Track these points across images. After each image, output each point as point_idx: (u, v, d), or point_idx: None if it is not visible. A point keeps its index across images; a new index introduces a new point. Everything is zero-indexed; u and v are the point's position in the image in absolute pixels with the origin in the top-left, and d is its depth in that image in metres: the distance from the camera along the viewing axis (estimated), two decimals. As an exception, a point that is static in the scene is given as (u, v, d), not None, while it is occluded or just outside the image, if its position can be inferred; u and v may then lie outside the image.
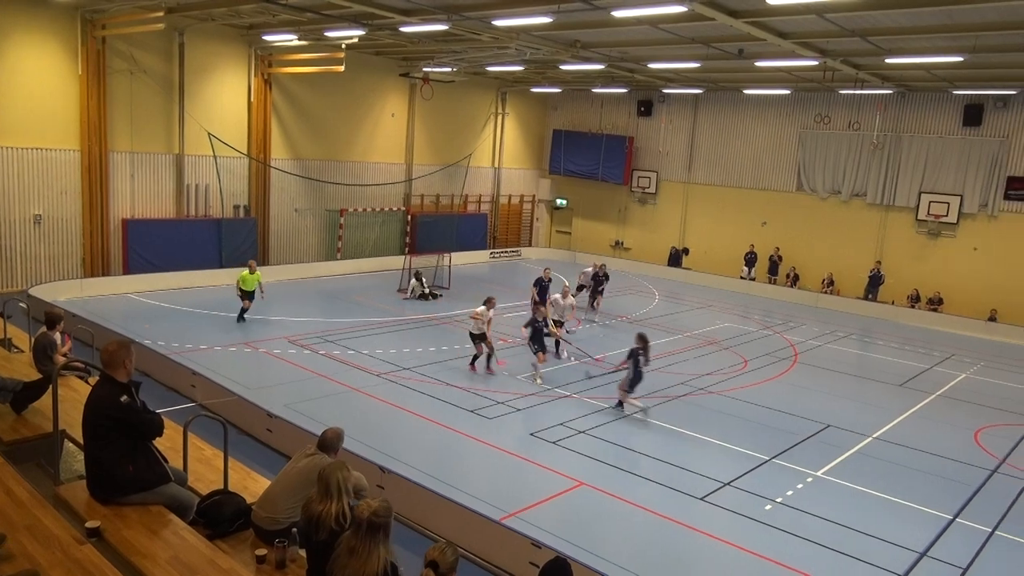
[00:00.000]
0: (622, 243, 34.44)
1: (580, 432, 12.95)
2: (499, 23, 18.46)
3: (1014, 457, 13.41)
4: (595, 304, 22.66)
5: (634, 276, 30.57)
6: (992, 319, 24.46)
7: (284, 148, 26.17)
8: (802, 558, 9.25)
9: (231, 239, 24.28)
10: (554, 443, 12.40)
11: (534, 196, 36.73)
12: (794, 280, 28.75)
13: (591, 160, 34.02)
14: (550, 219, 37.23)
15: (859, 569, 9.10)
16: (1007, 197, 24.70)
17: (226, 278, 22.53)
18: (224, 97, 24.20)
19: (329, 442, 5.81)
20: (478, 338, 15.65)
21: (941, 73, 21.86)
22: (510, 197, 35.57)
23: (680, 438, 13.04)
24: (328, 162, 27.58)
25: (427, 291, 23.48)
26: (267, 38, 23.35)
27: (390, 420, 12.97)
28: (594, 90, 32.24)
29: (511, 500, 10.10)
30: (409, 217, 30.46)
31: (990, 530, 10.41)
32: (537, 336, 15.82)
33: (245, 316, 18.88)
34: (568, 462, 11.68)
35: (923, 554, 9.60)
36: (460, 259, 29.49)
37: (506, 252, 34.06)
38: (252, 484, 6.60)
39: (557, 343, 17.65)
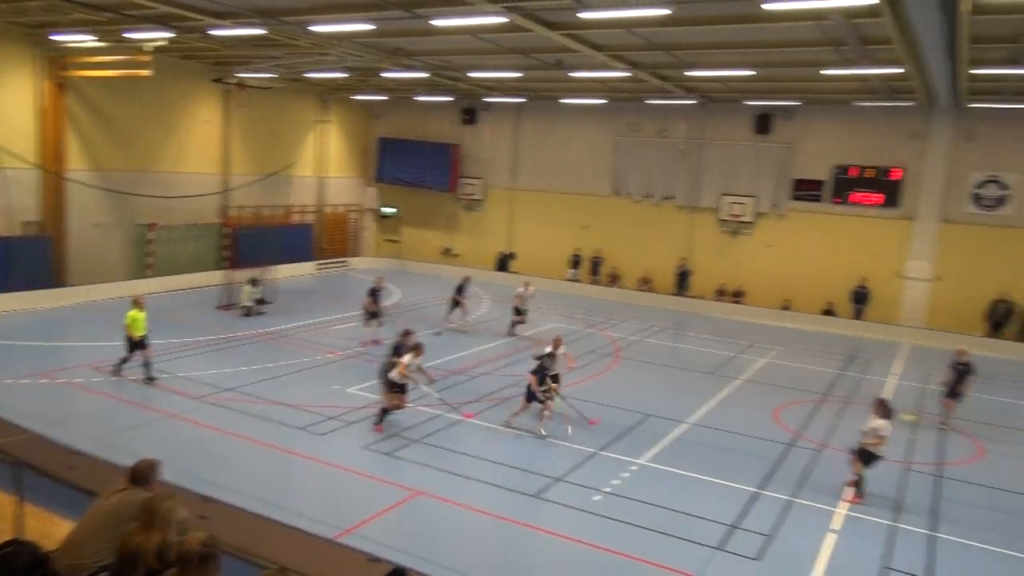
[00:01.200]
0: (451, 250, 34.73)
1: (415, 441, 12.92)
2: (318, 29, 18.05)
3: (807, 431, 14.91)
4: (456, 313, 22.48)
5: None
6: (786, 308, 27.06)
7: (84, 158, 24.00)
8: (630, 542, 9.77)
9: (20, 259, 21.91)
10: (388, 454, 12.29)
11: (360, 205, 36.18)
12: (613, 280, 30.29)
13: (417, 168, 34.04)
14: (377, 228, 36.84)
15: (681, 546, 9.75)
16: (793, 197, 27.43)
17: (12, 303, 20.44)
18: (6, 102, 21.85)
19: (142, 474, 5.43)
20: (395, 389, 13.43)
21: (735, 85, 23.90)
22: (335, 207, 34.81)
23: (513, 439, 13.35)
24: (135, 173, 25.61)
25: (251, 306, 22.36)
26: (58, 38, 21.33)
27: (212, 446, 12.29)
28: (418, 98, 32.29)
29: (346, 517, 9.90)
30: (228, 230, 28.99)
31: (789, 498, 11.52)
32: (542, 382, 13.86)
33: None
34: (404, 472, 11.62)
35: (734, 526, 10.45)
36: (285, 272, 28.50)
37: (333, 263, 33.30)
38: (54, 529, 6.04)
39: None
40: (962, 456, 14.07)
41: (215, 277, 25.61)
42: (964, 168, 24.81)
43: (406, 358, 13.37)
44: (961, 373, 15.45)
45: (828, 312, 26.47)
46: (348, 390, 15.59)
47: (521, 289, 21.87)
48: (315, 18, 17.13)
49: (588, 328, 23.68)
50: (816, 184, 26.96)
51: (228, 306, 22.87)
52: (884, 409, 11.72)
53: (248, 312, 22.23)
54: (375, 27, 17.31)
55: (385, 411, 13.46)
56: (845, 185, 26.46)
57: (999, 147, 24.29)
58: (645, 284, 29.68)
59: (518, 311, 21.86)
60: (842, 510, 11.23)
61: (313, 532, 8.53)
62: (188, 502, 7.71)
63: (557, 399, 14.15)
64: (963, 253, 24.90)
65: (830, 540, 10.25)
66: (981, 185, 24.65)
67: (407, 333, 14.37)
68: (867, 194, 26.17)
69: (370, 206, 36.36)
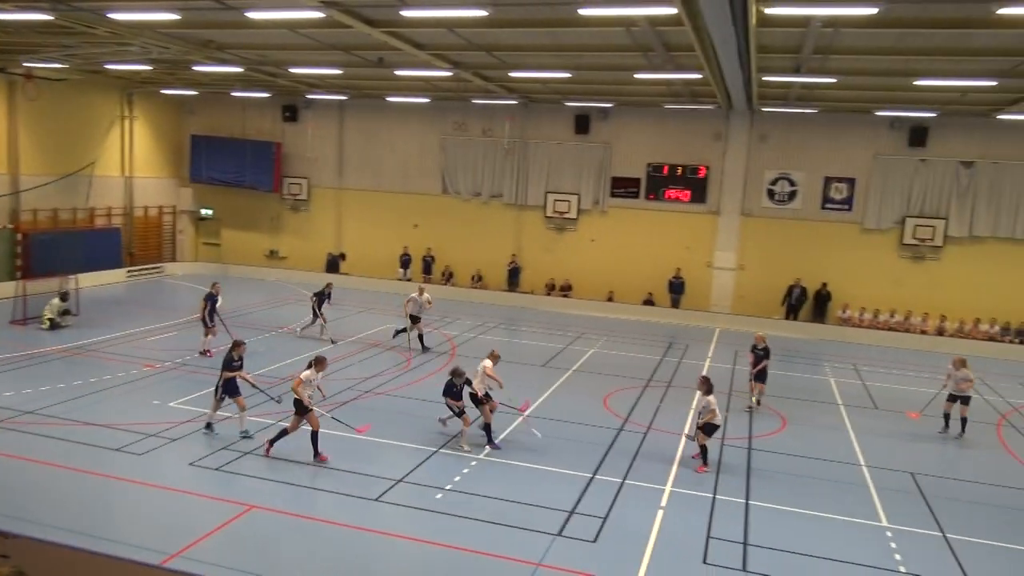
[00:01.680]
0: (277, 252, 33.39)
1: (246, 454, 12.32)
2: (117, 17, 16.64)
3: (634, 416, 15.78)
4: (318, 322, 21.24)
5: (293, 285, 29.83)
6: (610, 300, 28.46)
7: None
8: (473, 537, 9.89)
9: None
10: (217, 469, 11.64)
11: (175, 207, 33.87)
12: (448, 277, 30.46)
13: (237, 167, 32.38)
14: (195, 231, 34.68)
15: (523, 536, 10.00)
16: (613, 195, 28.88)
17: None
18: None
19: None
20: (301, 409, 12.19)
21: (554, 87, 24.76)
22: (147, 209, 32.36)
23: (352, 442, 13.07)
24: (-102, 173, 22.47)
25: (56, 319, 20.27)
26: None
27: (12, 476, 11.06)
28: (234, 93, 30.73)
29: (173, 539, 9.27)
30: (20, 236, 26.13)
31: (621, 480, 12.14)
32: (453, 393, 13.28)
33: None
34: (235, 487, 11.05)
35: (572, 512, 10.86)
36: (91, 280, 26.14)
37: (146, 270, 30.98)
38: None
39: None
40: (769, 429, 15.47)
41: (7, 288, 23.01)
42: (759, 166, 27.25)
43: (304, 373, 12.20)
44: (759, 357, 16.65)
45: (648, 302, 28.15)
46: (170, 404, 14.59)
47: (415, 295, 20.46)
48: (113, 4, 15.81)
49: (423, 327, 23.59)
50: (633, 182, 28.55)
51: (25, 320, 20.62)
52: (707, 385, 12.85)
53: (53, 326, 20.15)
54: (181, 17, 16.25)
55: (284, 432, 12.27)
56: (659, 182, 28.22)
57: (788, 147, 26.92)
58: (477, 281, 30.08)
59: (413, 318, 20.33)
60: (669, 487, 12.00)
61: (136, 560, 7.91)
62: (-15, 542, 6.89)
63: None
64: (762, 244, 27.37)
65: (660, 516, 10.91)
66: (774, 182, 27.19)
67: (237, 345, 13.56)
68: (678, 191, 28.08)
69: (186, 208, 34.15)
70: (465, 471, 12.13)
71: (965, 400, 15.50)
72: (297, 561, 9.14)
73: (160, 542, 9.15)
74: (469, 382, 13.44)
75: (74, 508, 10.18)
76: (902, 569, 9.75)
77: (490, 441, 13.29)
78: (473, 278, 30.14)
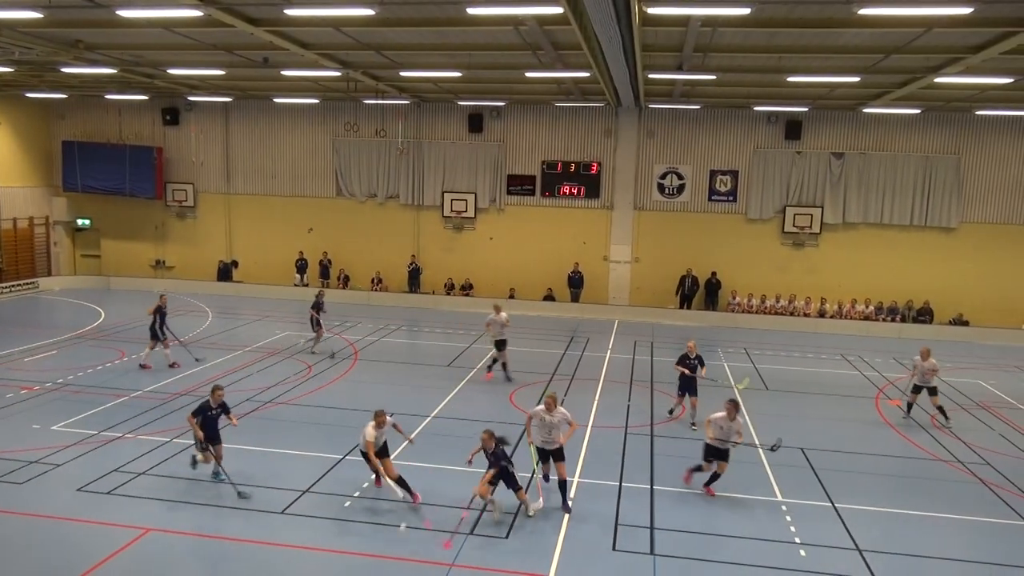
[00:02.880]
0: (164, 262, 31.88)
1: (139, 474, 11.72)
2: (-29, 16, 15.46)
3: (540, 410, 15.95)
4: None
5: (183, 296, 28.55)
6: (511, 296, 28.68)
7: None
8: (383, 543, 9.78)
9: None
10: (108, 493, 11.02)
11: (47, 218, 31.78)
12: (345, 281, 29.91)
13: (115, 174, 30.66)
14: (72, 243, 32.66)
15: (434, 537, 9.93)
16: (509, 192, 29.11)
17: None
18: None
19: None
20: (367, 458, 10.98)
21: (446, 86, 24.71)
22: (16, 221, 30.22)
23: (254, 456, 12.65)
24: None
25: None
26: None
27: None
28: (109, 96, 29.11)
29: (64, 571, 8.72)
30: None
31: (530, 475, 12.25)
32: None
33: None
34: (129, 511, 10.49)
35: (483, 510, 10.85)
36: (-47, 300, 24.22)
37: (19, 285, 28.94)
38: None
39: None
40: (670, 416, 15.97)
41: None
42: (649, 161, 28.11)
43: (369, 432, 10.80)
44: (693, 367, 15.18)
45: (549, 297, 28.55)
46: (52, 428, 13.69)
47: (493, 316, 18.42)
48: (-31, 3, 14.69)
49: (324, 332, 23.08)
50: (529, 179, 28.88)
51: None
52: (736, 409, 11.51)
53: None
54: (45, 15, 15.26)
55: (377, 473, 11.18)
56: (553, 179, 28.66)
57: (675, 142, 27.89)
58: (377, 284, 29.68)
59: (499, 343, 18.29)
60: (577, 479, 12.20)
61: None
62: None
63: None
64: (655, 236, 28.26)
65: (570, 507, 11.09)
66: (664, 176, 28.12)
67: (216, 389, 11.71)
68: (573, 187, 28.60)
69: (60, 218, 32.09)
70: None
71: (932, 391, 15.73)
72: (200, 583, 8.78)
73: (50, 575, 8.59)
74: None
75: (-54, 547, 9.42)
76: (797, 540, 10.29)
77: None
78: (373, 281, 29.72)
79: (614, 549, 9.88)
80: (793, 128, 26.86)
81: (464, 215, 29.33)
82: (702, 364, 15.33)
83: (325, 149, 30.18)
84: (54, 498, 10.85)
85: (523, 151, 28.88)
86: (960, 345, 24.43)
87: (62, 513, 10.35)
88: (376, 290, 29.45)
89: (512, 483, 10.64)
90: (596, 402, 16.80)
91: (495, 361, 18.47)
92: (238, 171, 31.03)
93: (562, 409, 11.15)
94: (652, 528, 10.53)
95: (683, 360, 15.33)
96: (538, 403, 11.43)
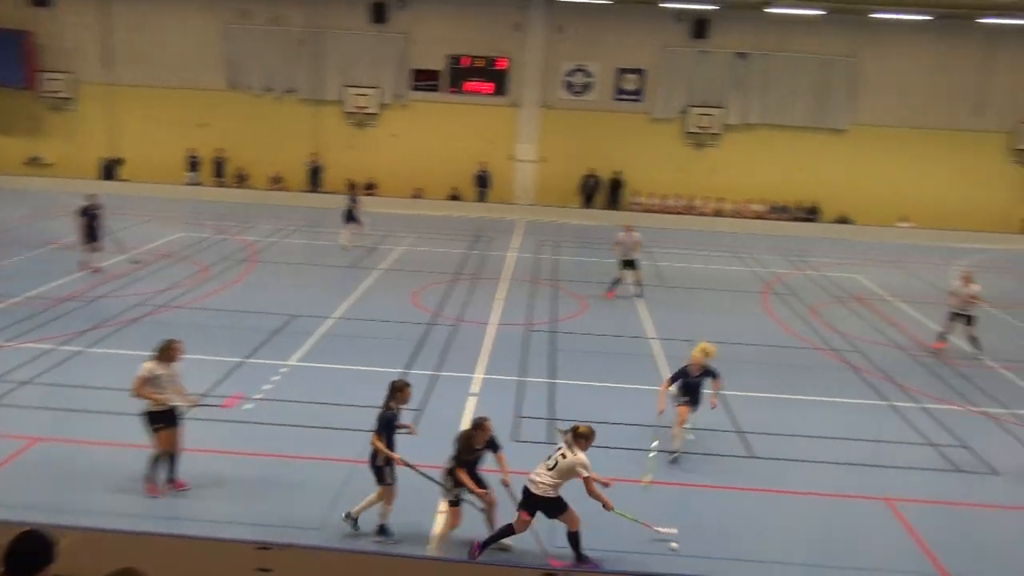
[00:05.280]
0: (40, 159, 29.63)
1: (24, 383, 11.25)
2: None
3: (444, 310, 16.10)
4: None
5: (63, 195, 26.76)
6: (417, 196, 28.26)
7: None
8: (286, 442, 9.83)
9: None
10: (-9, 403, 10.57)
11: (-99, 108, 28.82)
12: (241, 180, 28.69)
13: (-25, 60, 27.92)
14: (-68, 137, 29.85)
15: (338, 436, 10.05)
16: (415, 88, 28.19)
17: None
18: None
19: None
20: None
21: (345, -29, 23.34)
22: None
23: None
24: None
25: None
26: None
27: None
28: (-38, -29, 26.11)
29: (-56, 483, 8.41)
30: None
31: (434, 373, 12.47)
32: None
33: None
34: (14, 420, 10.11)
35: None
36: None
37: None
38: None
39: None
40: (570, 312, 16.42)
41: None
42: (557, 58, 27.66)
43: (579, 457, 7.50)
44: (695, 389, 10.24)
45: (454, 197, 28.30)
46: None
47: (623, 234, 17.44)
48: None
49: (219, 234, 22.31)
50: (433, 74, 27.98)
51: None
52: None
53: None
54: None
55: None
56: (459, 75, 27.88)
57: (584, 39, 27.46)
58: (276, 183, 28.62)
59: (627, 263, 17.41)
60: (480, 375, 12.50)
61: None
62: None
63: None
64: (560, 135, 28.14)
65: (472, 403, 11.39)
66: (571, 73, 27.79)
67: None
68: (479, 83, 27.94)
69: (-85, 110, 29.15)
70: (276, 378, 11.88)
71: (970, 319, 14.42)
72: (95, 489, 8.63)
73: (-72, 488, 8.28)
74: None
75: None
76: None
77: None
78: (271, 180, 28.61)
79: (513, 440, 10.26)
80: (700, 27, 26.83)
81: (367, 111, 28.32)
82: (714, 377, 10.20)
83: (215, 37, 28.20)
84: (-70, 409, 10.33)
85: (428, 44, 27.82)
86: (842, 243, 25.88)
87: (-60, 424, 9.89)
88: (274, 189, 28.42)
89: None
90: (499, 300, 17.03)
91: (618, 281, 17.62)
92: (121, 60, 28.68)
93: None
94: (551, 419, 10.96)
95: (680, 376, 10.23)
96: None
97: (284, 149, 28.73)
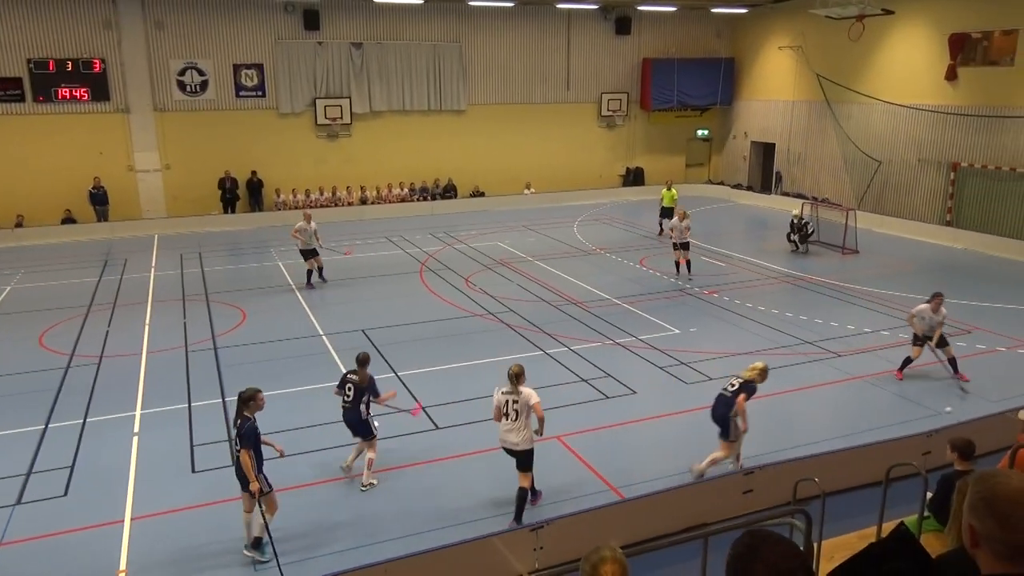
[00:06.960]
0: None
1: None
2: None
3: (80, 347, 14.21)
4: None
5: None
6: (20, 226, 24.24)
7: None
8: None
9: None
10: None
11: None
12: None
13: None
14: None
15: (-30, 523, 8.45)
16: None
17: None
18: None
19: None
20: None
21: None
22: None
23: None
24: None
25: None
26: None
27: None
28: None
29: None
30: None
31: (82, 420, 11.00)
32: None
33: None
34: None
35: (29, 474, 9.52)
36: None
37: None
38: None
39: None
40: (230, 325, 15.55)
41: None
42: (163, 56, 25.53)
43: (528, 390, 8.93)
44: (727, 408, 9.02)
45: (69, 220, 24.86)
46: None
47: (301, 223, 17.29)
48: None
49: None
50: (16, 82, 24.06)
51: None
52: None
53: None
54: None
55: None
56: (47, 81, 24.34)
57: (189, 34, 25.69)
58: None
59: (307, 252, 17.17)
60: (139, 411, 11.33)
61: None
62: None
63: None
64: (184, 139, 26.15)
65: (136, 443, 10.30)
66: (183, 72, 25.89)
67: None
68: (74, 89, 24.70)
69: None
70: None
71: (942, 342, 12.01)
72: None
73: None
74: None
75: None
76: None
77: None
78: None
79: (194, 471, 9.55)
80: (311, 18, 26.71)
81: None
82: (749, 394, 9.02)
83: None
84: None
85: (4, 48, 23.77)
86: (479, 214, 28.04)
87: None
88: None
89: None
90: (147, 326, 15.52)
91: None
92: None
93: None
94: (231, 440, 10.36)
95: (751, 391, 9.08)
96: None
97: None
